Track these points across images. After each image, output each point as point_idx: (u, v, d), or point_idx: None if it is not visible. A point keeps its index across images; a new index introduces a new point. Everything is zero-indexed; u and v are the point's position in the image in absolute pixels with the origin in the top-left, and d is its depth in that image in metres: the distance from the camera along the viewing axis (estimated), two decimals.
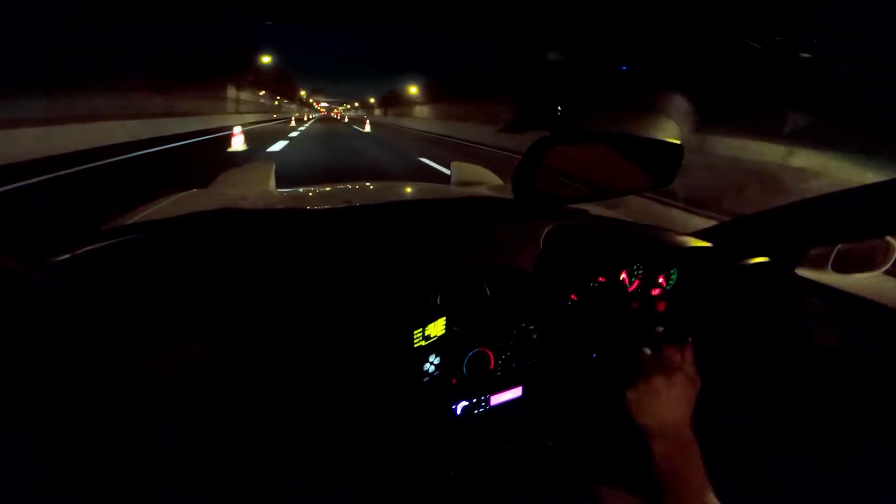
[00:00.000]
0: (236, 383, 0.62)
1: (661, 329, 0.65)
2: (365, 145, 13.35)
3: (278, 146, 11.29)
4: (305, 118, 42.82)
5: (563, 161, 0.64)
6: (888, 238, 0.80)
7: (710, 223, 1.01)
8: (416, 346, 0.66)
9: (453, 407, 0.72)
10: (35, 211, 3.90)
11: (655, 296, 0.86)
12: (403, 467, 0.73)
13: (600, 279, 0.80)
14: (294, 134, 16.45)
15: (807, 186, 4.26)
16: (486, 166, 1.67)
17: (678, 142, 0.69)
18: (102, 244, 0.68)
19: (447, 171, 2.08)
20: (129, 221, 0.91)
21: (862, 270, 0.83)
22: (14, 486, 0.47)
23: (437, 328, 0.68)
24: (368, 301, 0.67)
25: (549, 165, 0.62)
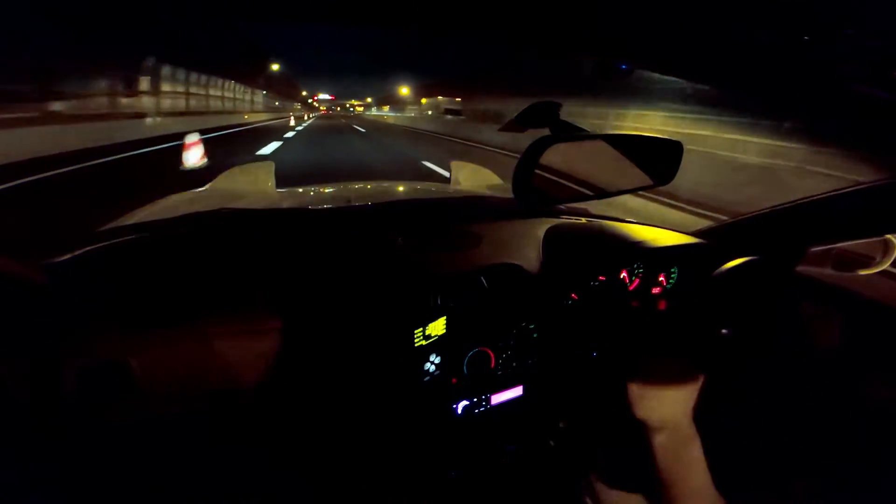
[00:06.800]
0: (238, 383, 0.62)
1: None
2: None
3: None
4: (306, 116, 41.77)
5: (562, 160, 0.64)
6: (888, 237, 0.80)
7: (712, 222, 1.01)
8: (416, 345, 0.66)
9: (454, 406, 0.72)
10: None
11: (656, 294, 0.86)
12: (404, 467, 0.73)
13: (601, 278, 0.80)
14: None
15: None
16: None
17: (677, 140, 0.68)
18: (102, 245, 0.68)
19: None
20: (129, 222, 0.91)
21: (862, 270, 0.82)
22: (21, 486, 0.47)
23: (437, 328, 0.68)
24: (369, 300, 0.67)
25: (549, 165, 0.62)
